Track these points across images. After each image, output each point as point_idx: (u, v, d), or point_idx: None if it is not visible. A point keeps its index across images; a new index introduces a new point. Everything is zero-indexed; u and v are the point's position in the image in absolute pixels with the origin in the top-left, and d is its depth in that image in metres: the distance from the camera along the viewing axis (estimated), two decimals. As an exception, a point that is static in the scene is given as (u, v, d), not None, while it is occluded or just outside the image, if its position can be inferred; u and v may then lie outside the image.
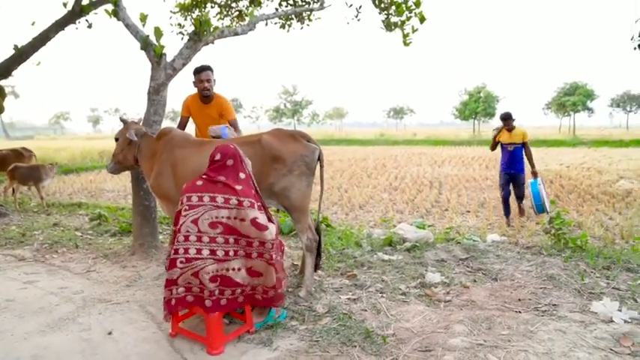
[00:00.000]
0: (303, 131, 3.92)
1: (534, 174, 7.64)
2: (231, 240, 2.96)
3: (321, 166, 3.80)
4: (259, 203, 3.07)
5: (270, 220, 3.09)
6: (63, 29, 6.42)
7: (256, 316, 3.21)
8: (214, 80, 4.71)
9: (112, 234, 6.19)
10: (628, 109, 55.79)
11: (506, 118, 7.69)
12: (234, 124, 4.79)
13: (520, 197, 7.96)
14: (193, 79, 4.72)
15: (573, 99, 44.25)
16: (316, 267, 4.00)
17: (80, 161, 19.10)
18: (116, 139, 4.33)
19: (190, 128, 4.90)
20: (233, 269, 2.96)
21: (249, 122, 69.58)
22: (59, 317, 3.45)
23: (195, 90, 4.80)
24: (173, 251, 2.95)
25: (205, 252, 2.93)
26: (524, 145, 7.68)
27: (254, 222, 2.94)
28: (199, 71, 4.66)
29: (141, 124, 4.53)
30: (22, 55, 6.49)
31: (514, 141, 7.69)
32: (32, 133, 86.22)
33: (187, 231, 2.94)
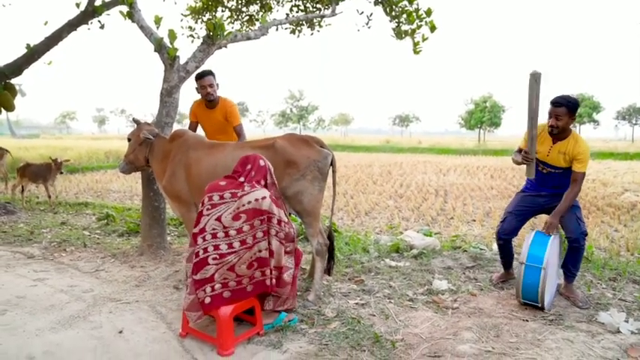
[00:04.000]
0: (316, 136, 3.95)
1: (551, 226, 3.69)
2: (256, 222, 3.03)
3: (334, 172, 3.84)
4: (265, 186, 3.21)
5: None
6: (75, 29, 6.48)
7: (266, 318, 3.23)
8: (217, 84, 4.71)
9: (119, 234, 6.23)
10: (633, 121, 55.72)
11: (557, 104, 3.67)
12: (238, 131, 4.81)
13: (576, 239, 3.68)
14: (196, 86, 4.72)
15: (579, 111, 44.33)
16: (328, 271, 4.02)
17: (86, 161, 19.11)
18: (129, 140, 4.39)
19: (200, 132, 4.94)
20: (263, 250, 3.07)
21: (255, 126, 69.81)
22: (70, 315, 3.48)
23: (200, 95, 4.83)
24: (202, 250, 2.98)
25: (236, 244, 2.99)
26: (574, 175, 3.69)
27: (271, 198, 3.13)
28: (201, 77, 4.66)
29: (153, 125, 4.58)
30: (34, 54, 6.55)
31: (554, 162, 3.77)
32: (38, 131, 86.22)
33: (214, 229, 3.00)
